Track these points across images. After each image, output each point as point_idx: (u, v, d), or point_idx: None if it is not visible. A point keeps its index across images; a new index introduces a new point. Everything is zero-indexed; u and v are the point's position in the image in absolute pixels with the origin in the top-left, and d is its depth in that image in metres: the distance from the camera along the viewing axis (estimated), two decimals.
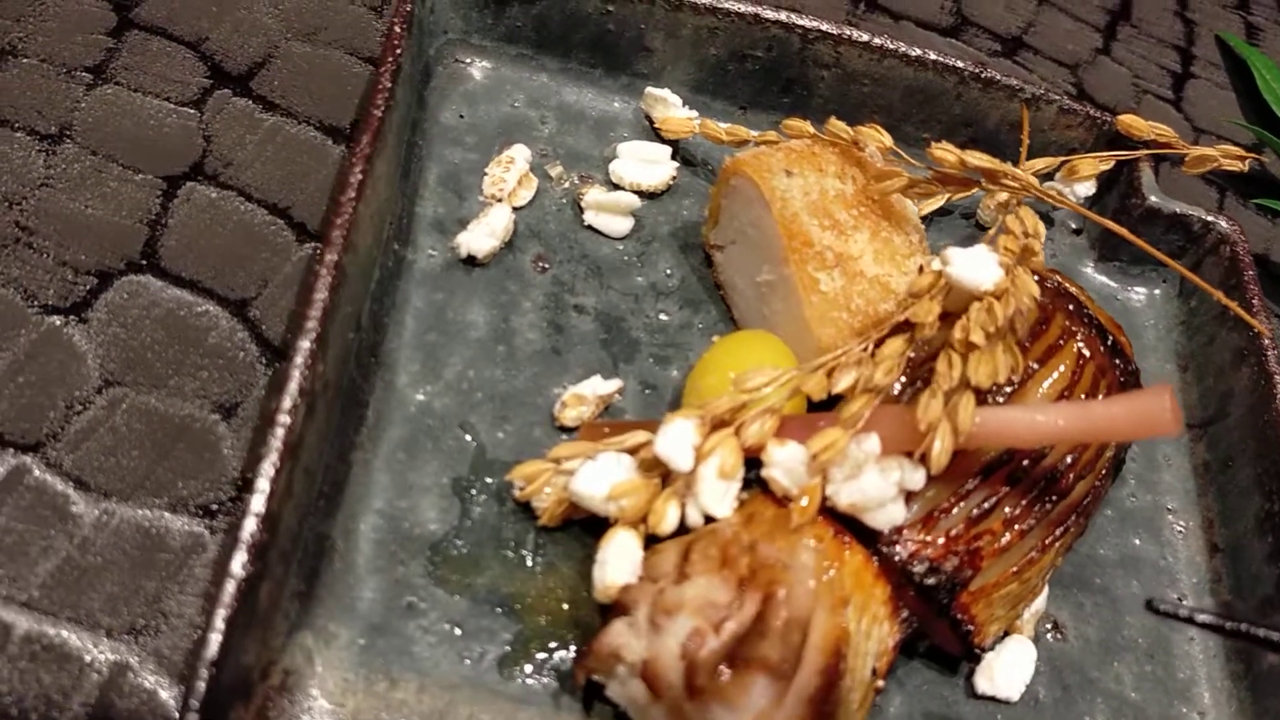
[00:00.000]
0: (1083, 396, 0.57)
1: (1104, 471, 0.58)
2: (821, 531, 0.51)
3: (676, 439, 0.53)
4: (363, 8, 0.78)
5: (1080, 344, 0.59)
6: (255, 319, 0.62)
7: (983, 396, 0.53)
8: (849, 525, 0.52)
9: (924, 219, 0.70)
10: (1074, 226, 0.79)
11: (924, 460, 0.51)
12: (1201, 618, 0.46)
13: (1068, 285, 0.62)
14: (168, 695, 0.49)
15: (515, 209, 0.68)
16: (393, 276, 0.63)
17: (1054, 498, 0.55)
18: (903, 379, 0.56)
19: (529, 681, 0.52)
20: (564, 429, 0.60)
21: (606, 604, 0.52)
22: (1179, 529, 0.67)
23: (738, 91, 0.77)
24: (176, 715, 0.49)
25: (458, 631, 0.53)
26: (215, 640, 0.44)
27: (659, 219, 0.71)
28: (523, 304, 0.65)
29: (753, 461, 0.54)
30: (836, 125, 0.66)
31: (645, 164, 0.72)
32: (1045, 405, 0.53)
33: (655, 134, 0.74)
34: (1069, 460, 0.56)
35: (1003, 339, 0.54)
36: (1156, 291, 0.77)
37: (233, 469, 0.56)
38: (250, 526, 0.46)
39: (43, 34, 0.70)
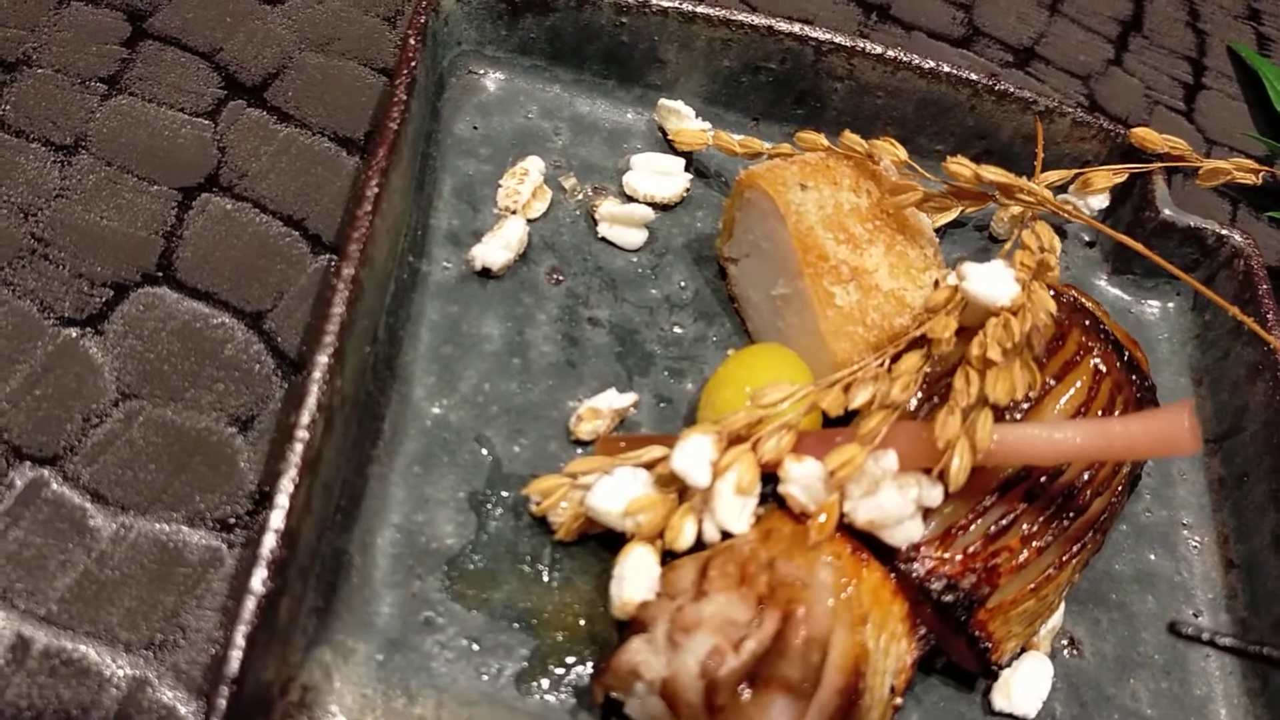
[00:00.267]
0: (1099, 412, 0.57)
1: (1120, 488, 0.58)
2: (839, 548, 0.51)
3: (693, 454, 0.53)
4: (377, 19, 0.78)
5: (1097, 359, 0.59)
6: (271, 331, 0.62)
7: (1000, 413, 0.53)
8: (866, 542, 0.52)
9: (937, 231, 0.70)
10: (1087, 239, 0.79)
11: (942, 477, 0.51)
12: (1223, 641, 0.46)
13: (1083, 300, 0.62)
14: (186, 710, 0.49)
15: (529, 221, 0.68)
16: (408, 289, 0.63)
17: (1071, 514, 0.55)
18: (919, 394, 0.56)
19: (547, 698, 0.52)
20: (579, 442, 0.60)
21: (624, 620, 0.52)
22: (1194, 544, 0.67)
23: (751, 103, 0.77)
24: None
25: (475, 647, 0.53)
26: (235, 657, 0.44)
27: (673, 231, 0.71)
28: (537, 316, 0.65)
29: (769, 476, 0.54)
30: (851, 138, 0.66)
31: (659, 176, 0.72)
32: (1063, 423, 0.53)
33: (669, 146, 0.74)
34: (1086, 477, 0.56)
35: (1020, 355, 0.54)
36: (1171, 305, 0.77)
37: (250, 482, 0.56)
38: (270, 543, 0.46)
39: (57, 44, 0.70)
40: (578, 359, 0.64)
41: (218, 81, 0.71)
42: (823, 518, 0.51)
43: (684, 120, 0.74)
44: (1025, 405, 0.56)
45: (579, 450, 0.60)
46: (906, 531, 0.52)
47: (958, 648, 0.55)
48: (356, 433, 0.56)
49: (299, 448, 0.49)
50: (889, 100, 0.76)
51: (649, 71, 0.75)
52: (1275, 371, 0.68)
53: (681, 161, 0.73)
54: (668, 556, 0.53)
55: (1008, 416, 0.56)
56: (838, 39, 0.74)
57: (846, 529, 0.52)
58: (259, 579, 0.46)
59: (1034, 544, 0.54)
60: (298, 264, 0.65)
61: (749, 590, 0.49)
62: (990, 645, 0.53)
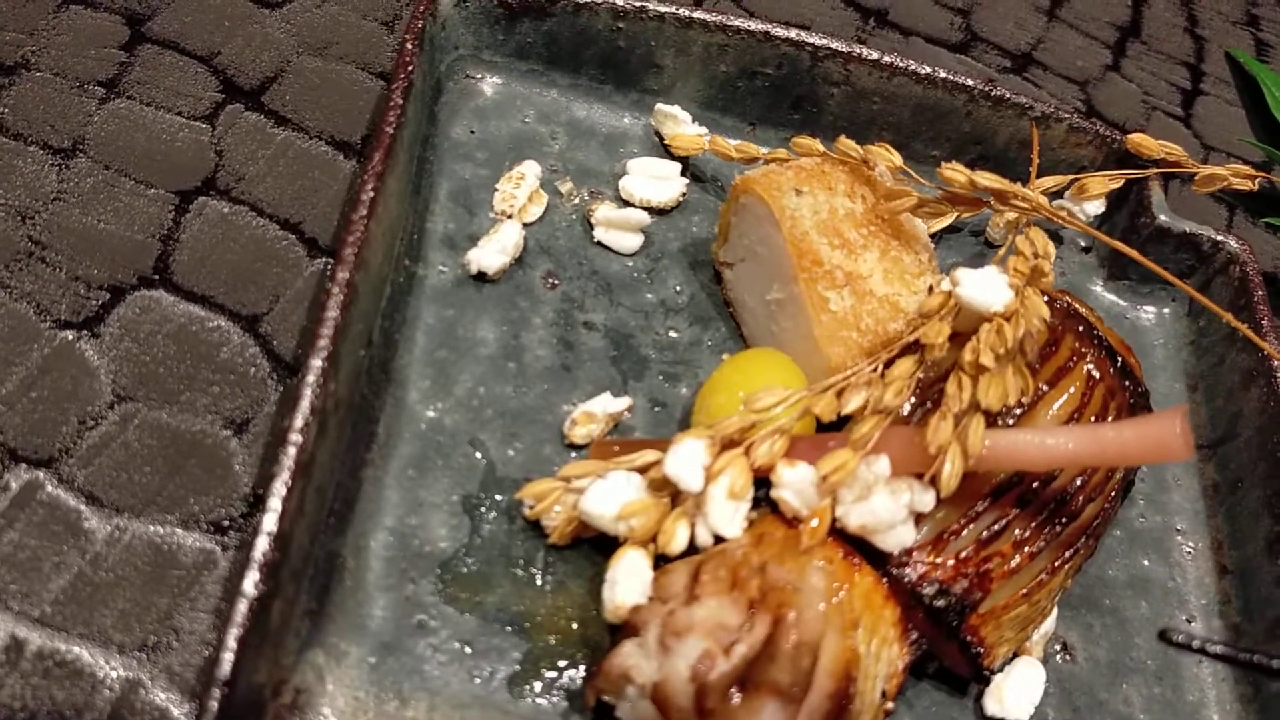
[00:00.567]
0: (1092, 418, 0.57)
1: (1113, 493, 0.58)
2: (831, 553, 0.51)
3: (686, 459, 0.53)
4: (374, 23, 0.78)
5: (1090, 365, 0.59)
6: (266, 334, 0.62)
7: (992, 418, 0.53)
8: (858, 547, 0.52)
9: (932, 236, 0.70)
10: (1083, 244, 0.79)
11: (934, 482, 0.51)
12: (1214, 649, 0.46)
13: (1077, 306, 0.62)
14: (179, 712, 0.49)
15: (525, 225, 0.68)
16: (403, 293, 0.63)
17: (1064, 520, 0.55)
18: (912, 400, 0.56)
19: (539, 701, 0.52)
20: (573, 446, 0.61)
21: (616, 624, 0.52)
22: (1188, 550, 0.67)
23: (747, 108, 0.77)
24: None
25: (468, 650, 0.53)
26: (227, 659, 0.44)
27: (669, 235, 0.71)
28: (533, 320, 0.65)
29: (762, 481, 0.55)
30: (846, 144, 0.66)
31: (655, 180, 0.72)
32: (1055, 429, 0.53)
33: (665, 150, 0.75)
34: (1079, 482, 0.56)
35: (1012, 361, 0.54)
36: (1166, 310, 0.77)
37: (244, 485, 0.56)
38: (262, 545, 0.47)
39: (55, 48, 0.70)
40: (573, 363, 0.64)
41: (215, 85, 0.72)
42: (815, 522, 0.51)
43: (680, 125, 0.74)
44: (1018, 411, 0.56)
45: (573, 454, 0.60)
46: (898, 536, 0.52)
47: (950, 653, 0.55)
48: (350, 436, 0.56)
49: (292, 451, 0.49)
50: (885, 105, 0.76)
51: (645, 76, 0.75)
52: (1270, 377, 0.68)
53: (678, 166, 0.73)
54: (660, 560, 0.54)
55: (1000, 422, 0.56)
56: (833, 44, 0.74)
57: (838, 534, 0.52)
58: (251, 581, 0.46)
59: (1026, 549, 0.54)
60: (294, 267, 0.65)
61: (740, 594, 0.49)
62: (982, 650, 0.53)
